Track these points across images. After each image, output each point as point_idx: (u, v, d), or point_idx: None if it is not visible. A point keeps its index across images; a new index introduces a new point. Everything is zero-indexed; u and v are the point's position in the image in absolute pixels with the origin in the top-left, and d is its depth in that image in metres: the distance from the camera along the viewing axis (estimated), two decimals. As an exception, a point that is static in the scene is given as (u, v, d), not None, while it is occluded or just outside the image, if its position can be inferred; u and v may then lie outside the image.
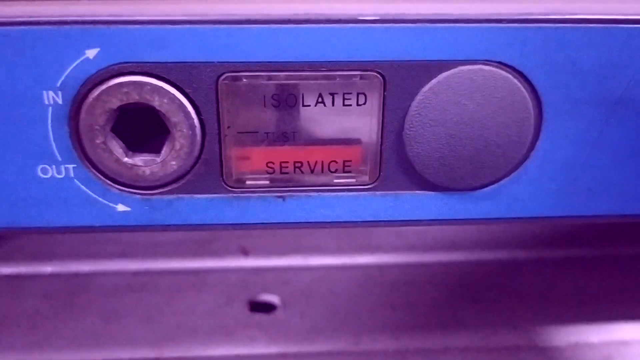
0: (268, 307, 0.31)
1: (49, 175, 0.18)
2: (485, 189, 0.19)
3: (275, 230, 0.29)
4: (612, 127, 0.18)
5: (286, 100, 0.17)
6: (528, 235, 0.34)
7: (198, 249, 0.34)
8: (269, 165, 0.18)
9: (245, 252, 0.35)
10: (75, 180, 0.18)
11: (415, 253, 0.34)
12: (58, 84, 0.17)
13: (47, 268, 0.33)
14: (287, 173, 0.18)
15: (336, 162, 0.18)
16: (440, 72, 0.17)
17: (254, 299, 0.31)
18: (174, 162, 0.18)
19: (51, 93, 0.17)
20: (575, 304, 0.30)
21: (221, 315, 0.31)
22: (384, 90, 0.17)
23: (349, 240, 0.34)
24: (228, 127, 0.18)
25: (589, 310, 0.30)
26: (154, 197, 0.18)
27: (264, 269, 0.33)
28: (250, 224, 0.19)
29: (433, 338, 0.29)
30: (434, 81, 0.17)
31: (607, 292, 0.31)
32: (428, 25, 0.17)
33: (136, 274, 0.33)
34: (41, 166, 0.18)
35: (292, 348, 0.28)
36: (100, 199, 0.18)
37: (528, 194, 0.18)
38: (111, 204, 0.18)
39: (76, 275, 0.33)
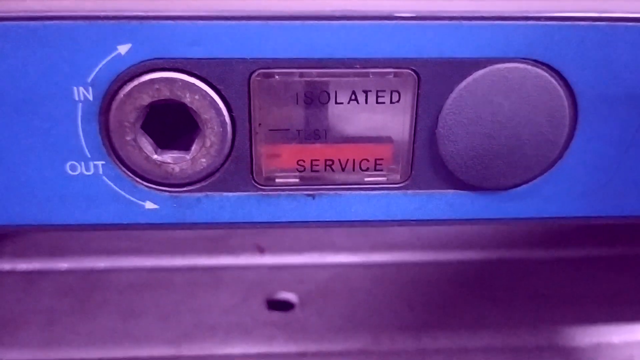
0: (286, 306, 0.31)
1: (77, 172, 0.18)
2: (518, 189, 0.18)
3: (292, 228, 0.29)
4: (650, 126, 0.17)
5: (318, 98, 0.17)
6: (548, 234, 0.34)
7: (213, 246, 0.34)
8: (300, 163, 0.18)
9: (261, 250, 0.35)
10: (104, 177, 0.18)
11: (432, 251, 0.34)
12: (89, 80, 0.17)
13: (63, 264, 0.33)
14: (317, 171, 0.18)
15: (367, 161, 0.18)
16: (475, 70, 0.17)
17: (272, 297, 0.31)
18: (203, 160, 0.18)
19: (82, 89, 0.17)
20: (597, 304, 0.30)
21: (239, 314, 0.30)
22: (418, 88, 0.17)
23: (365, 237, 0.34)
24: (259, 125, 0.17)
25: (610, 311, 0.29)
26: (183, 194, 0.18)
27: (280, 267, 0.33)
28: (279, 222, 0.19)
29: (453, 338, 0.29)
30: (468, 79, 0.17)
31: (629, 292, 0.31)
32: (463, 22, 0.17)
33: (152, 270, 0.33)
34: (70, 163, 0.18)
35: (310, 347, 0.28)
36: (129, 197, 0.18)
37: (561, 194, 0.18)
38: (139, 202, 0.18)
39: (92, 271, 0.32)
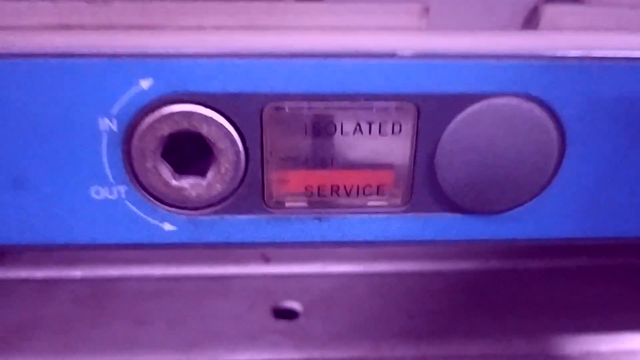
0: (291, 314, 0.32)
1: (101, 197, 0.19)
2: (510, 212, 0.20)
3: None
4: (632, 157, 0.19)
5: (325, 129, 0.18)
6: (541, 246, 0.35)
7: (221, 255, 0.36)
8: (308, 188, 0.19)
9: (266, 260, 0.36)
10: (126, 201, 0.19)
11: (431, 262, 0.35)
12: (113, 112, 0.18)
13: (77, 273, 0.34)
14: (324, 196, 0.19)
15: (370, 186, 0.19)
16: (471, 103, 0.18)
17: (277, 306, 0.33)
18: (218, 185, 0.19)
19: (106, 120, 0.18)
20: (586, 314, 0.31)
21: (245, 321, 0.32)
22: (418, 120, 0.18)
23: (367, 249, 0.35)
24: (270, 153, 0.19)
25: (599, 320, 0.31)
26: (199, 217, 0.19)
27: (285, 276, 0.35)
28: (288, 242, 0.20)
29: (449, 345, 0.30)
30: (464, 112, 0.18)
31: (618, 302, 0.32)
32: (459, 60, 0.18)
33: (162, 279, 0.34)
34: (94, 188, 0.19)
35: (314, 354, 0.30)
36: (149, 219, 0.19)
37: (550, 218, 0.20)
38: (159, 223, 0.19)
39: (104, 280, 0.34)
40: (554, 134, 0.18)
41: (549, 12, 0.20)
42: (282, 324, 0.31)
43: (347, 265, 0.35)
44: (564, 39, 0.18)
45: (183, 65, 0.18)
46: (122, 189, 0.19)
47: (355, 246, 0.20)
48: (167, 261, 0.35)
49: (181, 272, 0.35)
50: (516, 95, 0.18)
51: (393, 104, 0.18)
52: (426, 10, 0.20)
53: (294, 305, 0.33)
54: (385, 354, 0.29)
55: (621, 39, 0.18)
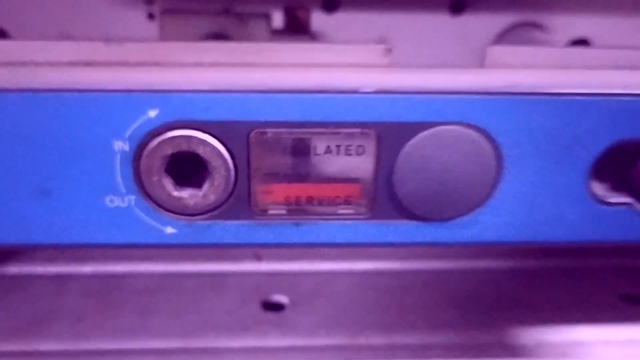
0: (278, 307, 0.36)
1: (114, 205, 0.23)
2: (458, 220, 0.23)
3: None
4: (556, 176, 0.23)
5: (301, 150, 0.22)
6: (507, 250, 0.39)
7: (217, 254, 0.39)
8: (287, 198, 0.23)
9: (258, 258, 0.40)
10: (135, 208, 0.23)
11: (408, 261, 0.39)
12: (126, 136, 0.22)
13: (88, 268, 0.38)
14: (301, 205, 0.23)
15: (340, 197, 0.23)
16: (422, 130, 0.22)
17: (267, 299, 0.36)
18: (212, 196, 0.23)
19: (120, 142, 0.22)
20: (542, 309, 0.35)
21: (238, 313, 0.35)
22: (378, 144, 0.22)
23: (349, 249, 0.39)
24: (256, 170, 0.22)
25: (551, 314, 0.34)
26: (196, 222, 0.23)
27: (275, 273, 0.38)
28: (271, 243, 0.24)
29: (418, 335, 0.34)
30: (417, 137, 0.22)
31: (569, 298, 0.36)
32: (413, 94, 0.22)
33: (164, 275, 0.38)
34: (109, 197, 0.23)
35: (299, 342, 0.33)
36: (154, 223, 0.23)
37: (490, 224, 0.23)
38: (162, 227, 0.23)
39: (112, 275, 0.38)
40: (491, 156, 0.22)
41: (492, 53, 0.23)
42: (271, 315, 0.35)
43: (330, 264, 0.39)
44: (500, 77, 0.22)
45: (183, 98, 0.21)
46: (132, 198, 0.23)
47: (328, 247, 0.24)
48: (168, 259, 0.38)
49: (181, 269, 0.39)
50: (459, 123, 0.22)
51: (358, 130, 0.22)
52: (389, 50, 0.23)
53: (281, 298, 0.36)
54: (360, 342, 0.33)
55: (548, 77, 0.22)
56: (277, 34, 0.34)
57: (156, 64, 0.23)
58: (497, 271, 0.38)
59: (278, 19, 0.36)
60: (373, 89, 0.21)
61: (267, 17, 0.33)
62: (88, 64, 0.22)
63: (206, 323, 0.34)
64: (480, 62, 0.24)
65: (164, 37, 0.33)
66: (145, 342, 0.33)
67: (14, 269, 0.37)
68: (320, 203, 0.23)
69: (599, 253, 0.38)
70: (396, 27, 0.37)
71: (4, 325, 0.34)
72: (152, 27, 0.37)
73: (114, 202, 0.23)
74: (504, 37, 0.36)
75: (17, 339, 0.33)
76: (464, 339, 0.32)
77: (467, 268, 0.38)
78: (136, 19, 0.37)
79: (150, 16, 0.36)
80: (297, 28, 0.35)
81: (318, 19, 0.37)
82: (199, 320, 0.34)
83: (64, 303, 0.35)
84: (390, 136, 0.22)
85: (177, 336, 0.33)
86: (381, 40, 0.33)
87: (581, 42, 0.37)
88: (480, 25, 0.37)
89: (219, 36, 0.32)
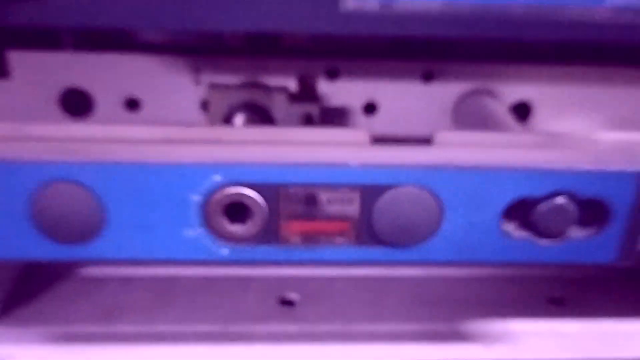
0: (291, 303, 0.48)
1: (189, 235, 0.34)
2: (415, 246, 0.35)
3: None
4: (480, 218, 0.34)
5: (312, 201, 0.34)
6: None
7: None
8: (302, 232, 0.35)
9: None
10: (202, 237, 0.34)
11: (389, 270, 0.51)
12: (199, 191, 0.33)
13: (146, 271, 0.49)
14: (312, 236, 0.35)
15: (336, 231, 0.35)
16: (390, 189, 0.34)
17: (282, 296, 0.48)
18: (253, 230, 0.34)
19: (195, 195, 0.33)
20: (487, 307, 0.47)
21: (260, 307, 0.47)
22: (362, 198, 0.34)
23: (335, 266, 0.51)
24: (282, 213, 0.34)
25: (494, 311, 0.46)
26: (242, 247, 0.35)
27: (287, 277, 0.50)
28: (290, 261, 0.35)
29: (394, 325, 0.45)
30: (387, 194, 0.34)
31: (508, 300, 0.47)
32: (383, 167, 0.33)
33: (205, 278, 0.50)
34: (185, 229, 0.34)
35: (306, 329, 0.45)
36: (214, 247, 0.35)
37: (437, 250, 0.35)
38: (219, 250, 0.35)
39: (166, 277, 0.49)
40: (435, 206, 0.34)
41: (439, 136, 0.35)
42: (285, 309, 0.47)
43: (329, 270, 0.50)
44: (442, 154, 0.34)
45: (236, 167, 0.33)
46: (201, 230, 0.34)
47: (327, 264, 0.36)
48: (208, 266, 0.50)
49: (217, 273, 0.51)
50: (414, 185, 0.34)
51: (348, 189, 0.34)
52: (371, 136, 0.35)
53: (293, 296, 0.48)
54: (353, 329, 0.45)
55: (473, 155, 0.34)
56: (293, 99, 0.46)
57: (218, 142, 0.35)
58: (454, 278, 0.50)
59: (292, 84, 0.48)
60: (358, 164, 0.33)
61: (285, 89, 0.44)
62: (178, 142, 0.34)
63: (237, 313, 0.46)
64: (445, 122, 0.36)
65: (210, 104, 0.44)
66: (191, 327, 0.45)
67: (92, 271, 0.49)
68: (324, 235, 0.35)
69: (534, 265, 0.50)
70: (383, 91, 0.49)
71: (85, 314, 0.46)
72: (199, 90, 0.48)
73: (189, 233, 0.34)
74: (462, 101, 0.48)
75: (95, 324, 0.45)
76: (429, 328, 0.44)
77: (434, 276, 0.50)
78: (186, 84, 0.48)
79: (197, 81, 0.48)
80: (308, 93, 0.47)
81: (323, 85, 0.48)
82: (231, 311, 0.46)
83: (131, 298, 0.47)
84: (370, 193, 0.34)
85: (215, 323, 0.45)
86: (369, 108, 0.45)
87: (522, 105, 0.48)
88: (445, 91, 0.48)
89: (251, 104, 0.44)
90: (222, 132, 0.35)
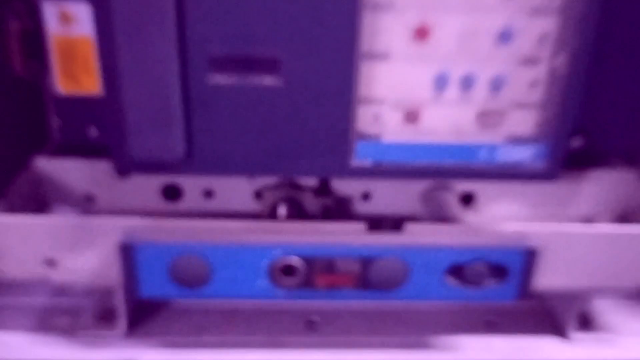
0: (313, 322, 0.71)
1: (260, 284, 0.58)
2: (393, 290, 0.59)
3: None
4: (432, 277, 0.58)
5: (332, 265, 0.58)
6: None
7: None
8: (326, 282, 0.59)
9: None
10: (268, 285, 0.58)
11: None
12: (267, 258, 0.57)
13: (223, 304, 0.73)
14: (331, 284, 0.59)
15: (347, 281, 0.59)
16: (376, 260, 0.57)
17: (309, 319, 0.72)
18: (298, 281, 0.58)
19: (264, 261, 0.57)
20: (438, 328, 0.70)
21: (293, 325, 0.71)
22: (361, 263, 0.58)
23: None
24: (315, 270, 0.58)
25: (444, 330, 0.70)
26: (291, 291, 0.59)
27: (313, 307, 0.74)
28: (320, 298, 0.59)
29: (382, 338, 0.69)
30: (375, 262, 0.58)
31: (456, 321, 0.71)
32: (371, 245, 0.57)
33: (260, 309, 0.73)
34: (258, 281, 0.58)
35: (324, 340, 0.69)
36: (275, 291, 0.59)
37: (407, 293, 0.59)
38: (278, 292, 0.59)
39: (233, 309, 0.73)
40: (404, 269, 0.58)
41: (408, 226, 0.59)
42: (309, 327, 0.71)
43: (342, 304, 0.74)
44: (410, 238, 0.58)
45: (288, 246, 0.57)
46: (267, 281, 0.58)
47: (340, 299, 0.60)
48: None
49: (268, 305, 0.75)
50: (392, 256, 0.57)
51: (353, 258, 0.58)
52: (366, 225, 0.59)
53: (316, 318, 0.72)
54: (359, 340, 0.69)
55: (429, 238, 0.58)
56: (316, 194, 0.69)
57: (277, 231, 0.59)
58: (419, 310, 0.74)
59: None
60: (359, 244, 0.57)
61: (313, 189, 0.68)
62: (254, 229, 0.58)
63: (279, 329, 0.70)
64: (417, 205, 0.60)
65: (263, 196, 0.68)
66: (250, 337, 0.69)
67: (187, 302, 0.73)
68: (338, 283, 0.59)
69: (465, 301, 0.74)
70: (374, 186, 0.73)
71: (183, 329, 0.70)
72: (254, 184, 0.72)
73: (260, 283, 0.58)
74: (428, 192, 0.71)
75: (191, 336, 0.69)
76: (403, 340, 0.68)
77: (408, 309, 0.74)
78: (244, 182, 0.72)
79: (252, 180, 0.71)
80: (325, 189, 0.71)
81: (335, 182, 0.73)
82: (275, 327, 0.70)
83: (214, 320, 0.71)
84: (366, 261, 0.58)
85: (267, 335, 0.69)
86: (365, 197, 0.70)
87: (468, 196, 0.73)
88: (418, 186, 0.72)
89: (289, 198, 0.68)
90: (279, 224, 0.59)
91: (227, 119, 0.53)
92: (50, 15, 0.57)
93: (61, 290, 0.71)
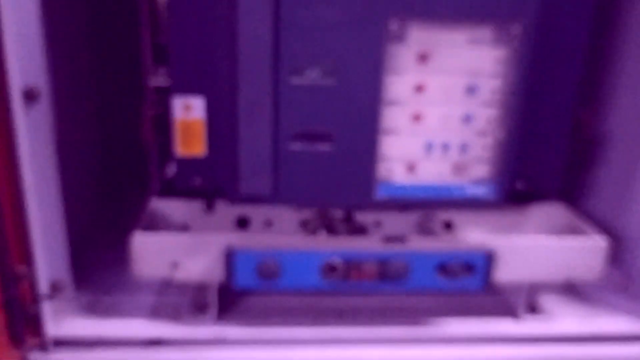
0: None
1: (315, 279, 0.89)
2: (400, 281, 0.90)
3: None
4: (424, 272, 0.89)
5: (359, 265, 0.89)
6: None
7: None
8: (357, 276, 0.89)
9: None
10: (319, 279, 0.89)
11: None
12: (319, 260, 0.88)
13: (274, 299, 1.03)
14: (361, 277, 0.89)
15: (369, 276, 0.89)
16: (389, 260, 0.88)
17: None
18: (339, 276, 0.89)
19: (317, 262, 0.88)
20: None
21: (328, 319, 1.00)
22: (379, 264, 0.88)
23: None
24: (350, 269, 0.89)
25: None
26: (335, 282, 0.89)
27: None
28: (353, 288, 0.90)
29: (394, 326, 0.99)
30: (388, 263, 0.88)
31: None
32: (388, 252, 0.88)
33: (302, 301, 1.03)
34: (312, 277, 0.89)
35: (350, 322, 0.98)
36: (323, 282, 0.89)
37: (412, 283, 0.90)
38: (325, 284, 0.89)
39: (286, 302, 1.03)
40: (407, 268, 0.89)
41: (410, 239, 0.90)
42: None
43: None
44: (409, 246, 0.89)
45: (332, 252, 0.88)
46: (319, 277, 0.89)
47: (366, 288, 0.90)
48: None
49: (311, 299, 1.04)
50: (399, 259, 0.88)
51: (373, 260, 0.88)
52: (383, 238, 0.90)
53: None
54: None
55: (421, 245, 0.89)
56: (344, 220, 1.00)
57: (324, 244, 0.90)
58: (420, 300, 1.04)
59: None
60: (378, 250, 0.88)
61: (339, 216, 1.00)
62: (308, 243, 0.89)
63: (320, 315, 1.00)
64: (412, 228, 0.91)
65: (309, 221, 0.99)
66: (301, 321, 0.98)
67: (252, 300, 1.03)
68: (364, 277, 0.89)
69: (450, 293, 1.04)
70: (386, 217, 1.05)
71: (251, 316, 0.99)
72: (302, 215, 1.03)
73: (315, 277, 0.89)
74: (420, 219, 1.03)
75: (254, 324, 0.98)
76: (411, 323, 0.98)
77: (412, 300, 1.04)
78: (291, 215, 1.03)
79: (297, 212, 1.03)
80: (350, 218, 1.02)
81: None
82: (319, 314, 1.00)
83: (266, 320, 1.01)
84: (381, 263, 0.89)
85: (310, 322, 0.99)
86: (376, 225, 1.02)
87: (448, 224, 1.05)
88: (413, 215, 1.03)
89: (325, 223, 0.99)
90: (325, 239, 0.90)
91: (299, 172, 0.85)
92: (177, 106, 0.89)
93: (167, 288, 1.01)
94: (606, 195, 1.12)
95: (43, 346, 0.89)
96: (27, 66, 0.80)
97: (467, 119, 0.85)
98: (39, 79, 0.83)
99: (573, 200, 1.13)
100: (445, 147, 0.86)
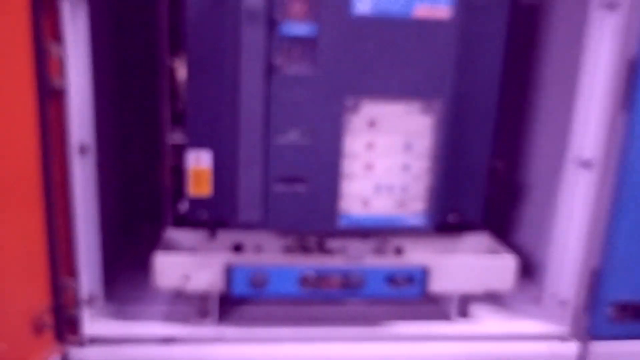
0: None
1: (295, 288, 1.17)
2: (358, 290, 1.18)
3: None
4: (382, 284, 1.17)
5: (346, 279, 1.17)
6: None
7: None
8: (336, 285, 1.17)
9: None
10: (298, 288, 1.16)
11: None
12: (299, 274, 1.16)
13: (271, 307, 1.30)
14: (328, 288, 1.17)
15: (335, 285, 1.17)
16: (375, 272, 1.17)
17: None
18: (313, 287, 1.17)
19: (298, 276, 1.16)
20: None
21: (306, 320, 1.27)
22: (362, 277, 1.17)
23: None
24: (328, 281, 1.17)
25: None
26: (314, 291, 1.17)
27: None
28: (333, 296, 1.18)
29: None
30: (373, 272, 1.17)
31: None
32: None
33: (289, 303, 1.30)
34: (294, 286, 1.16)
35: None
36: (303, 291, 1.17)
37: (365, 293, 1.18)
38: (305, 293, 1.17)
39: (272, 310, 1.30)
40: (365, 280, 1.17)
41: (367, 258, 1.19)
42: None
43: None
44: (367, 263, 1.17)
45: (309, 267, 1.16)
46: (299, 287, 1.16)
47: (333, 296, 1.18)
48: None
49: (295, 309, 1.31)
50: (359, 272, 1.17)
51: (358, 273, 1.17)
52: (344, 258, 1.19)
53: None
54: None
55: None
56: (316, 245, 1.28)
57: (301, 260, 1.18)
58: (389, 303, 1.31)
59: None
60: (340, 267, 1.17)
61: (315, 243, 1.28)
62: (289, 259, 1.17)
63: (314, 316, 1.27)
64: None
65: (288, 247, 1.27)
66: (285, 323, 1.25)
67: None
68: (332, 286, 1.17)
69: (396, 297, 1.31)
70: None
71: (249, 317, 1.26)
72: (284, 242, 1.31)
73: (293, 287, 1.17)
74: (374, 248, 1.31)
75: (251, 324, 1.25)
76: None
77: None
78: (274, 240, 1.31)
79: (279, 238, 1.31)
80: (322, 245, 1.30)
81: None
82: (298, 318, 1.27)
83: (263, 315, 1.28)
84: (344, 275, 1.17)
85: (292, 322, 1.26)
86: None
87: (398, 249, 1.34)
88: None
89: (304, 246, 1.27)
90: (302, 256, 1.18)
91: (282, 206, 1.14)
92: (190, 158, 1.18)
93: (177, 298, 1.28)
94: (528, 228, 1.43)
95: (81, 343, 1.08)
96: (81, 126, 1.09)
97: (405, 167, 1.12)
98: (89, 137, 1.13)
99: (502, 232, 1.43)
100: (390, 188, 1.13)
